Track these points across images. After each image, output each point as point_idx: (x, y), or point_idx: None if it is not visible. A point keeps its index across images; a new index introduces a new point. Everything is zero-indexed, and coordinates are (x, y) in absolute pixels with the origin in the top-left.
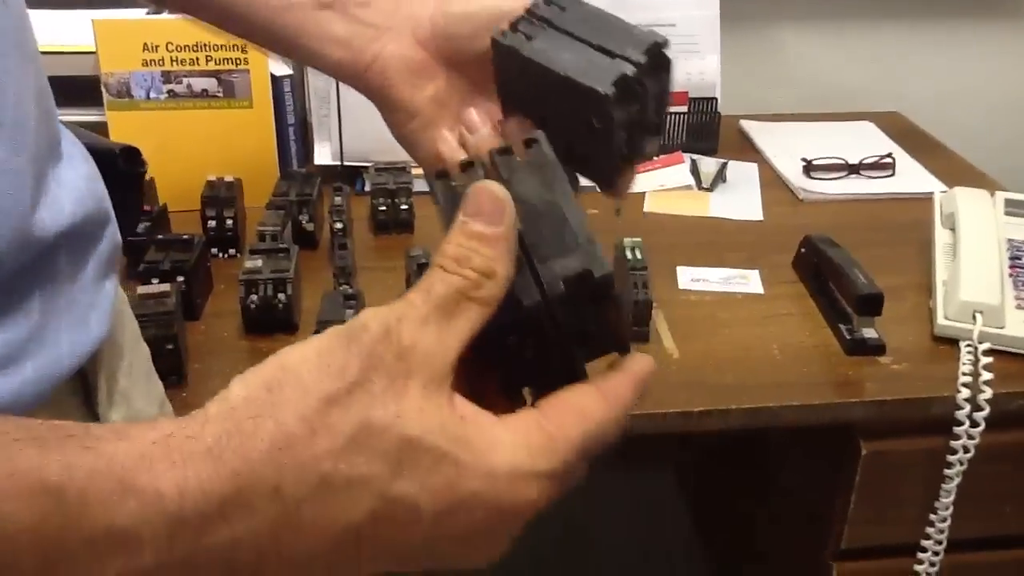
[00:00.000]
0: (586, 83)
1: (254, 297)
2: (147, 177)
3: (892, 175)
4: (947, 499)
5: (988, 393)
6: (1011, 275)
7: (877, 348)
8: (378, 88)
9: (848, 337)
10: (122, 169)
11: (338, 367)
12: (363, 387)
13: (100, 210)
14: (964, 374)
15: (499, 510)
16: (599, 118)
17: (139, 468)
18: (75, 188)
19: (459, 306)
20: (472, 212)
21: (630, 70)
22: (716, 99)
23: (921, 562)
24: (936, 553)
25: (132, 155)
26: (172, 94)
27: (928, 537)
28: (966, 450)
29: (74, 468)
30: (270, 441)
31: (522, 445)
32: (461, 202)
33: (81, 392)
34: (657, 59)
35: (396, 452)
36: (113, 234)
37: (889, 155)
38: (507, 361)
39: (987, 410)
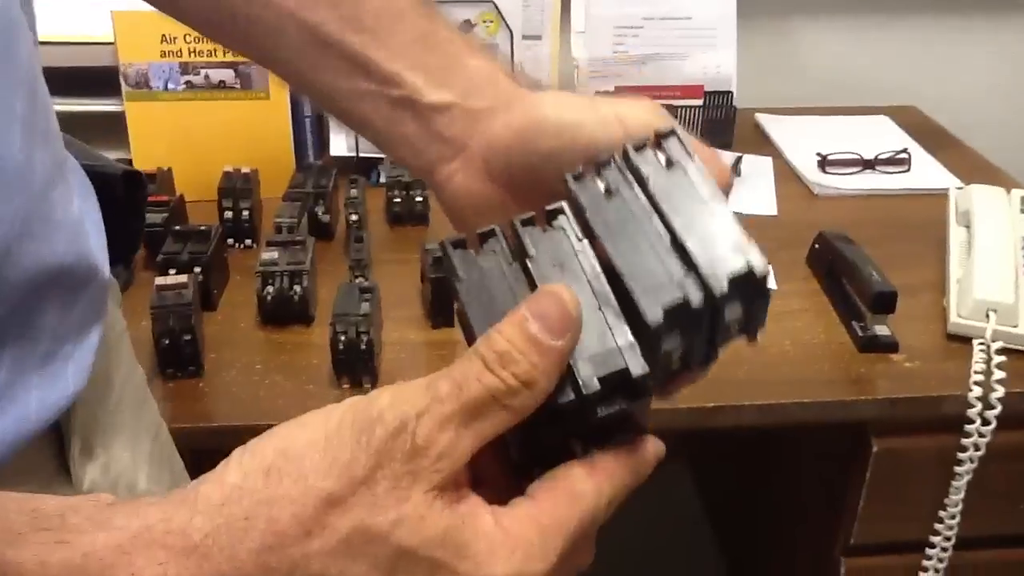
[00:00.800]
0: (635, 294)
1: (270, 289)
2: (166, 168)
3: (908, 171)
4: (957, 497)
5: (1000, 392)
6: None
7: (890, 346)
8: (448, 212)
9: (861, 334)
10: (122, 194)
11: (344, 463)
12: (366, 486)
13: (94, 252)
14: (976, 372)
15: None
16: (642, 339)
17: (118, 564)
18: (70, 227)
19: (487, 409)
20: (536, 313)
21: (696, 299)
22: (732, 93)
23: (930, 558)
24: (945, 550)
25: (133, 179)
26: (190, 85)
27: (937, 534)
28: (977, 448)
29: (48, 565)
30: (260, 541)
31: (520, 548)
32: (530, 296)
33: (54, 445)
34: (747, 290)
35: (391, 561)
36: (104, 276)
37: (905, 150)
38: (520, 447)
39: (999, 409)
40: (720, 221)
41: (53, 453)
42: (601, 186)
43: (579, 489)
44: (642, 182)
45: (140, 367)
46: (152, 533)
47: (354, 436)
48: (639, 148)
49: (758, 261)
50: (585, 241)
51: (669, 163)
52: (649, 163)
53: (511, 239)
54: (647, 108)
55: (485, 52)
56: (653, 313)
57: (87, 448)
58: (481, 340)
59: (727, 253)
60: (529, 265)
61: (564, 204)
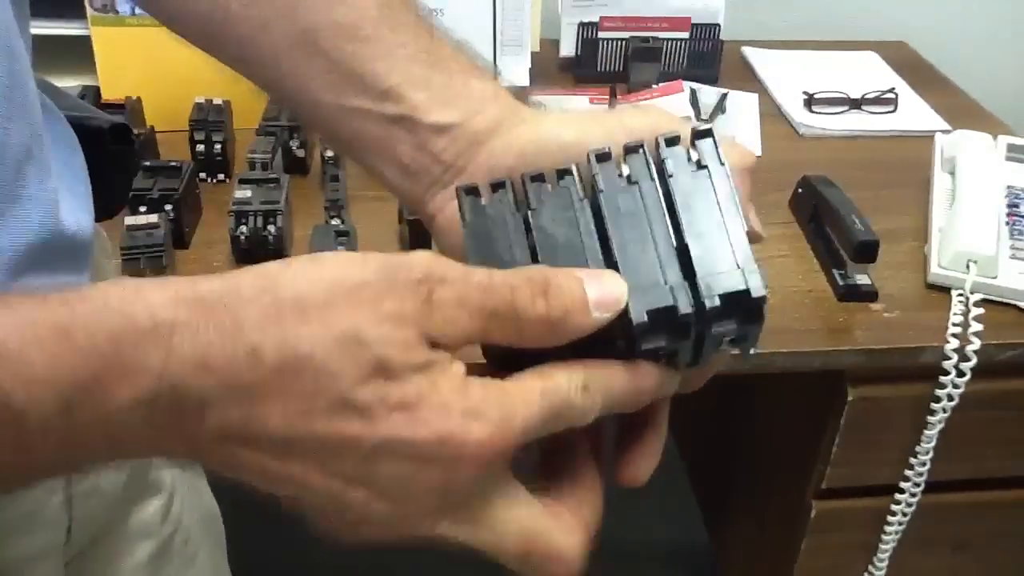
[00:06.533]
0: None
1: (244, 228)
2: (135, 97)
3: (894, 111)
4: (928, 444)
5: (976, 344)
6: (1008, 223)
7: (869, 295)
8: (440, 241)
9: (841, 283)
10: (110, 148)
11: (355, 282)
12: (371, 304)
13: (74, 219)
14: (954, 324)
15: (448, 439)
16: (623, 340)
17: (136, 301)
18: (45, 202)
19: (503, 320)
20: (596, 281)
21: (685, 307)
22: (719, 26)
23: (899, 502)
24: (914, 494)
25: (122, 132)
26: None
27: (907, 479)
28: (950, 398)
29: (76, 313)
30: (262, 312)
31: (477, 390)
32: (595, 270)
33: None
34: (740, 309)
35: (370, 367)
36: (87, 237)
37: (892, 90)
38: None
39: (974, 361)
40: (730, 235)
41: None
42: (624, 171)
43: (548, 370)
44: (664, 178)
45: None
46: (167, 282)
47: (374, 270)
48: (671, 142)
49: (756, 285)
50: (586, 200)
51: (699, 164)
52: (678, 160)
53: (519, 191)
54: (655, 114)
55: (487, 73)
56: (637, 313)
57: None
58: (534, 267)
59: (728, 269)
60: (530, 216)
61: (574, 166)
